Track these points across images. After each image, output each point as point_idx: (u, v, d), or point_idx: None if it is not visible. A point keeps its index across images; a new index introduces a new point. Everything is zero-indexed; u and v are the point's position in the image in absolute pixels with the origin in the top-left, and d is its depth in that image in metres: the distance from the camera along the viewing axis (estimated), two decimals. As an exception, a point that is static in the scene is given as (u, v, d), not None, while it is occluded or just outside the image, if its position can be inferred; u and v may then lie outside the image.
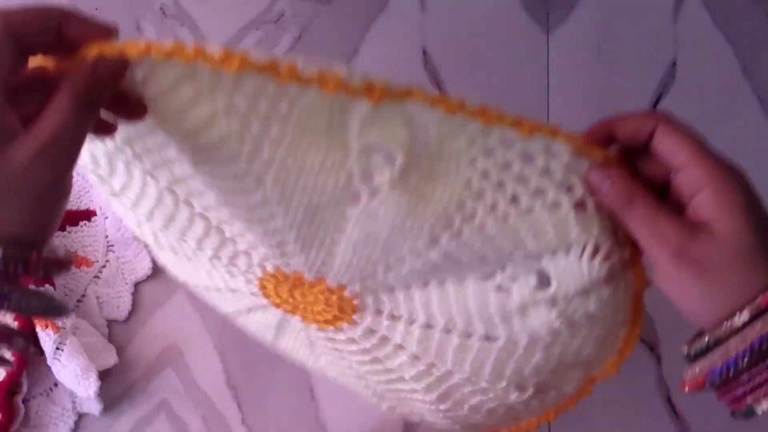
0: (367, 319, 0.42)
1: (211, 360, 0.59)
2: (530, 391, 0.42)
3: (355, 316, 0.42)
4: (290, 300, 0.43)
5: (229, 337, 0.60)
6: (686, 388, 0.32)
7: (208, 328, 0.60)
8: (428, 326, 0.41)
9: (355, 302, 0.41)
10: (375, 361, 0.45)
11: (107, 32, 0.28)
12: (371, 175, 0.33)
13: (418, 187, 0.33)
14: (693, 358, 0.31)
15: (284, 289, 0.42)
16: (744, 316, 0.29)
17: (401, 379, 0.45)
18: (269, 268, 0.41)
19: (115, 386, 0.58)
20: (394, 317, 0.41)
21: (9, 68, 0.27)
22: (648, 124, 0.31)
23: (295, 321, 0.45)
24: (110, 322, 0.60)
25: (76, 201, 0.64)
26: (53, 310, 0.31)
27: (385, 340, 0.43)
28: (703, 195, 0.30)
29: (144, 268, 0.61)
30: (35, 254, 0.29)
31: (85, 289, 0.61)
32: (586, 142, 0.32)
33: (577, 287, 0.35)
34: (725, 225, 0.29)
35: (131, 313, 0.61)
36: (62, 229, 0.62)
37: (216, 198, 0.35)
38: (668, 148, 0.31)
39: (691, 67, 0.71)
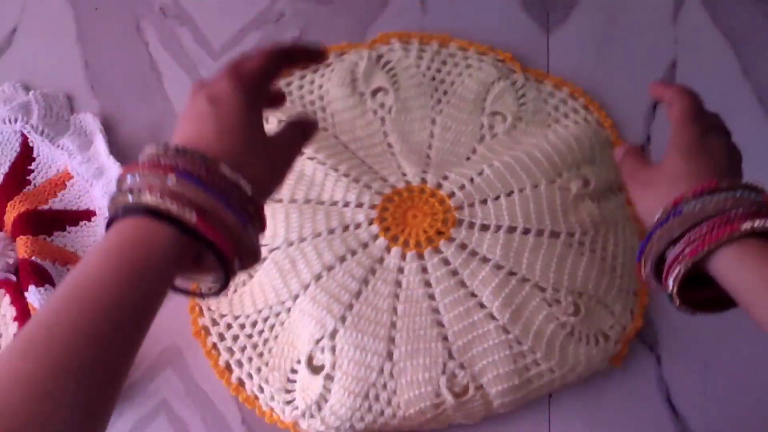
0: (462, 233, 0.59)
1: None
2: (571, 309, 0.58)
3: (452, 230, 0.59)
4: (402, 222, 0.60)
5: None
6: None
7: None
8: (511, 229, 0.59)
9: (455, 213, 0.59)
10: (459, 285, 0.58)
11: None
12: (493, 126, 0.66)
13: (516, 136, 0.65)
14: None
15: (401, 209, 0.60)
16: (660, 214, 0.42)
17: (479, 306, 0.57)
18: (414, 182, 0.61)
19: (115, 386, 0.58)
20: (483, 227, 0.59)
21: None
22: (672, 95, 0.48)
23: (391, 258, 0.59)
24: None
25: (76, 201, 0.64)
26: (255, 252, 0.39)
27: (473, 254, 0.58)
28: (668, 145, 0.45)
29: None
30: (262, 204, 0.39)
31: None
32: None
33: (604, 186, 0.63)
34: (666, 159, 0.45)
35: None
36: (62, 228, 0.62)
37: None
38: (671, 112, 0.47)
39: (691, 67, 0.71)
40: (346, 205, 0.60)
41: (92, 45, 0.71)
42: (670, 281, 0.40)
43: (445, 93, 0.68)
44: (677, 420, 0.59)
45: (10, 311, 0.58)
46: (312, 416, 0.55)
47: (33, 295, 0.56)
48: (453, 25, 0.72)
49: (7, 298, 0.59)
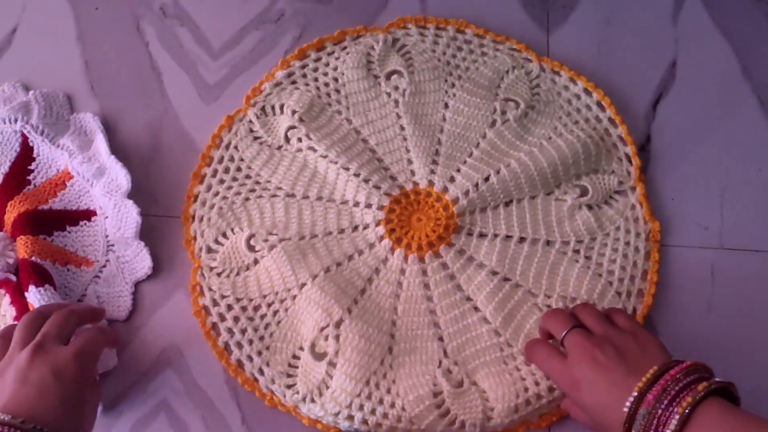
0: (461, 239, 0.62)
1: (211, 360, 0.59)
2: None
3: (452, 236, 0.62)
4: (407, 225, 0.62)
5: (229, 337, 0.60)
6: None
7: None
8: (507, 238, 0.63)
9: (456, 220, 0.62)
10: (455, 289, 0.61)
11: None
12: (505, 112, 0.67)
13: (526, 125, 0.67)
14: None
15: (407, 212, 0.63)
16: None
17: (473, 310, 0.60)
18: (421, 184, 0.64)
19: (115, 386, 0.58)
20: (481, 235, 0.62)
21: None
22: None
23: (394, 259, 0.61)
24: (110, 322, 0.60)
25: (76, 201, 0.64)
26: None
27: (470, 260, 0.62)
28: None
29: (144, 268, 0.61)
30: None
31: (86, 289, 0.61)
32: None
33: (603, 194, 0.64)
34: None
35: (131, 313, 0.61)
36: (62, 228, 0.62)
37: (411, 127, 0.66)
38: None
39: (691, 67, 0.71)
40: (356, 204, 0.63)
41: (92, 45, 0.71)
42: None
43: (459, 78, 0.68)
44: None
45: (10, 311, 0.58)
46: (313, 401, 0.56)
47: (33, 295, 0.56)
48: (453, 25, 0.72)
49: (7, 298, 0.59)
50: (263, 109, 0.67)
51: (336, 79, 0.68)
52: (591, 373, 0.48)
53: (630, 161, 0.66)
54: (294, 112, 0.65)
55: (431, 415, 0.55)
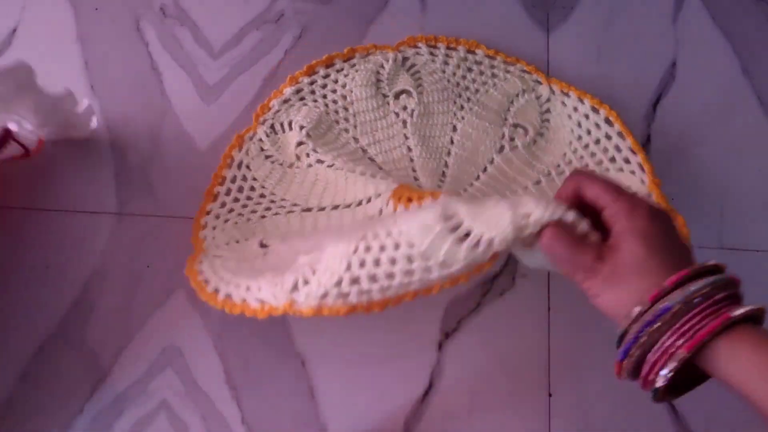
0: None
1: (211, 360, 0.59)
2: None
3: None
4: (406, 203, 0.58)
5: (229, 337, 0.60)
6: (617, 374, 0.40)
7: (208, 328, 0.60)
8: None
9: None
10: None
11: None
12: (514, 138, 0.66)
13: (535, 152, 0.66)
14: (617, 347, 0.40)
15: (406, 201, 0.58)
16: (635, 310, 0.38)
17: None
18: (424, 183, 0.64)
19: (115, 386, 0.58)
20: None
21: None
22: (573, 184, 0.43)
23: (388, 208, 0.58)
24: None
25: None
26: None
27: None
28: (616, 226, 0.40)
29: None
30: None
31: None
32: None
33: None
34: (624, 246, 0.39)
35: (131, 313, 0.61)
36: None
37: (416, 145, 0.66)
38: (592, 195, 0.42)
39: (691, 67, 0.71)
40: (368, 201, 0.62)
41: (92, 45, 0.71)
42: (660, 377, 0.37)
43: (468, 100, 0.68)
44: (677, 420, 0.59)
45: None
46: (306, 282, 0.46)
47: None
48: (453, 25, 0.72)
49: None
50: (272, 127, 0.66)
51: (344, 97, 0.68)
52: (643, 251, 0.39)
53: (642, 169, 0.62)
54: (302, 127, 0.65)
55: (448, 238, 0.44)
